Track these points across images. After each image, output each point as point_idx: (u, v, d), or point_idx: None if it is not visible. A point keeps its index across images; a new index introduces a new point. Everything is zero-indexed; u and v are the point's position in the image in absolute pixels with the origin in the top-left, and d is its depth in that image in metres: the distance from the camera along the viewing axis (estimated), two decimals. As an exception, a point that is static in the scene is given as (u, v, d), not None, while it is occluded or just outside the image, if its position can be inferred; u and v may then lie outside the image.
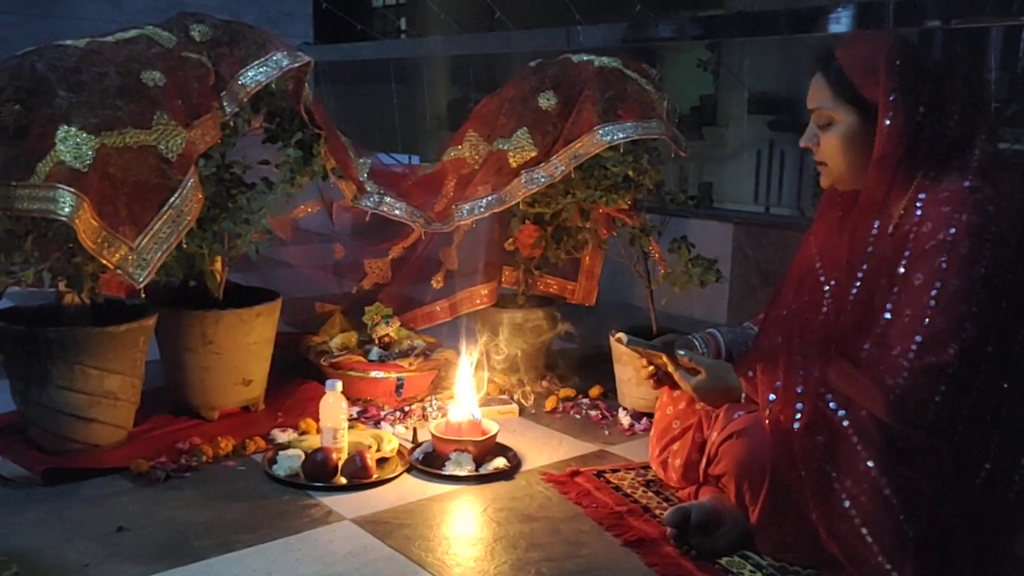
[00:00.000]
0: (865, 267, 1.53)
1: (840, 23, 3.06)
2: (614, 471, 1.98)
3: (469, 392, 2.11)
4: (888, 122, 1.48)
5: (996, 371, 1.43)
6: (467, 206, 2.37)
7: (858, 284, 1.54)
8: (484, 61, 4.87)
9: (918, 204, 1.48)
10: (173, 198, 1.87)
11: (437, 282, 2.71)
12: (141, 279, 1.82)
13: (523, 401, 2.43)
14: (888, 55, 1.49)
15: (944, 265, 1.40)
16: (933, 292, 1.40)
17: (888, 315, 1.45)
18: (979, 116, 1.51)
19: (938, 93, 1.49)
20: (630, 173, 2.31)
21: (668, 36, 3.89)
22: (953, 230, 1.41)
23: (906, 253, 1.46)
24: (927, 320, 1.40)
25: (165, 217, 1.86)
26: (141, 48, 1.98)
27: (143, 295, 1.89)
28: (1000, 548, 1.47)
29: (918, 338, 1.40)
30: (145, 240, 1.83)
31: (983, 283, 1.39)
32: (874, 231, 1.54)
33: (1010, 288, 1.42)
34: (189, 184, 1.89)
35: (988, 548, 1.46)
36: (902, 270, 1.46)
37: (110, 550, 1.60)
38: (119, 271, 1.81)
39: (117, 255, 1.80)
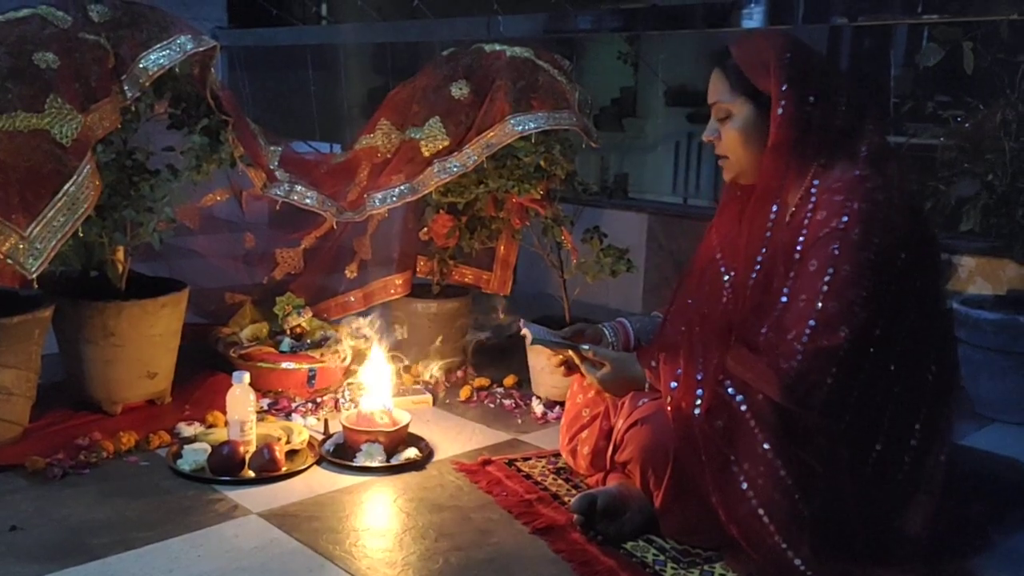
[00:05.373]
0: (764, 251, 1.58)
1: (752, 19, 3.13)
2: (525, 459, 1.99)
3: (382, 382, 2.10)
4: (781, 111, 1.53)
5: (884, 353, 1.49)
6: (379, 195, 2.35)
7: (757, 269, 1.59)
8: (405, 50, 4.83)
9: (812, 192, 1.53)
10: (68, 185, 1.80)
11: (351, 272, 2.69)
12: (33, 269, 1.75)
13: (436, 391, 2.42)
14: (778, 50, 1.55)
15: (837, 251, 1.45)
16: (826, 278, 1.45)
17: (785, 299, 1.50)
18: (865, 107, 1.58)
19: (825, 84, 1.55)
20: (542, 163, 2.32)
21: (587, 28, 3.93)
22: (845, 218, 1.46)
23: (801, 239, 1.51)
24: (820, 304, 1.45)
25: (59, 205, 1.79)
26: (34, 28, 1.90)
27: (36, 285, 1.82)
28: (889, 526, 1.53)
29: (811, 322, 1.44)
30: (38, 228, 1.76)
31: (871, 268, 1.45)
32: (772, 217, 1.59)
33: (896, 273, 1.48)
34: (85, 171, 1.83)
35: (878, 526, 1.52)
36: (798, 256, 1.51)
37: (0, 550, 1.54)
38: (10, 261, 1.74)
39: (7, 244, 1.72)
